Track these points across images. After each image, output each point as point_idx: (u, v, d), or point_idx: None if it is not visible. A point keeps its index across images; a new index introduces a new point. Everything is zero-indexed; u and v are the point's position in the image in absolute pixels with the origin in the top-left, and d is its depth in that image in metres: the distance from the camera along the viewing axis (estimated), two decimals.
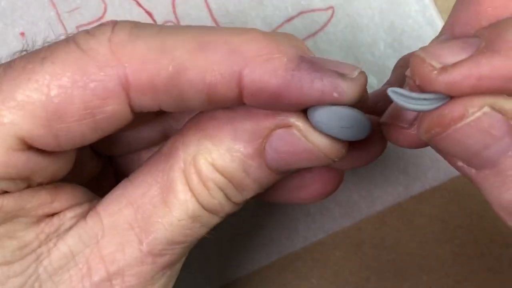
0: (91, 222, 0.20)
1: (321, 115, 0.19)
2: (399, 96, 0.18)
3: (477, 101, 0.17)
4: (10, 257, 0.19)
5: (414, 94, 0.18)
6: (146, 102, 0.19)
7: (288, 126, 0.19)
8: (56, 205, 0.20)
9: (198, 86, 0.18)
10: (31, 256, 0.19)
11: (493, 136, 0.17)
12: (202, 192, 0.20)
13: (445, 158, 0.19)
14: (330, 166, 0.23)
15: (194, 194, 0.20)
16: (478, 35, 0.18)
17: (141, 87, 0.18)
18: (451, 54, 0.17)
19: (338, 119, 0.19)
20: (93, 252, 0.19)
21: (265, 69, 0.18)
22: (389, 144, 0.32)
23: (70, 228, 0.20)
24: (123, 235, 0.20)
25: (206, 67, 0.18)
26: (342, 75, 0.18)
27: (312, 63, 0.18)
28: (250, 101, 0.19)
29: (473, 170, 0.18)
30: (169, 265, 0.20)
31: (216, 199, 0.20)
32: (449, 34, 0.19)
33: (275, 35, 0.19)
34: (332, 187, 0.24)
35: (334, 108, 0.19)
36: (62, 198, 0.20)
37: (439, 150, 0.19)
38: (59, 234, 0.20)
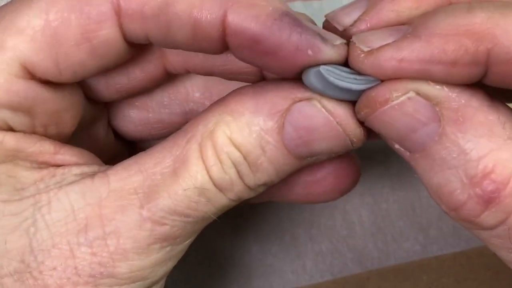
0: (98, 182, 0.20)
1: (308, 75, 0.19)
2: (331, 73, 0.19)
3: (401, 85, 0.18)
4: (7, 195, 0.19)
5: (344, 73, 0.19)
6: (136, 31, 0.20)
7: (309, 98, 0.19)
8: (59, 158, 0.21)
9: (184, 20, 0.19)
10: (28, 200, 0.19)
11: (419, 121, 0.18)
12: (215, 164, 0.19)
13: (384, 140, 0.20)
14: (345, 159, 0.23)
15: (205, 166, 0.19)
16: (409, 23, 0.19)
17: (131, 13, 0.19)
18: (379, 39, 0.18)
19: (322, 79, 0.19)
20: (94, 210, 0.19)
21: (249, 13, 0.18)
22: (414, 202, 0.32)
23: (74, 182, 0.20)
24: (126, 198, 0.19)
25: (193, 2, 0.19)
26: (323, 39, 0.19)
27: (295, 20, 0.18)
28: (233, 44, 0.19)
29: (408, 153, 0.19)
30: (167, 238, 0.20)
31: (228, 175, 0.19)
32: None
33: None
34: (348, 182, 0.23)
35: (315, 68, 0.19)
36: (67, 153, 0.21)
37: (375, 131, 0.19)
38: (61, 186, 0.20)
